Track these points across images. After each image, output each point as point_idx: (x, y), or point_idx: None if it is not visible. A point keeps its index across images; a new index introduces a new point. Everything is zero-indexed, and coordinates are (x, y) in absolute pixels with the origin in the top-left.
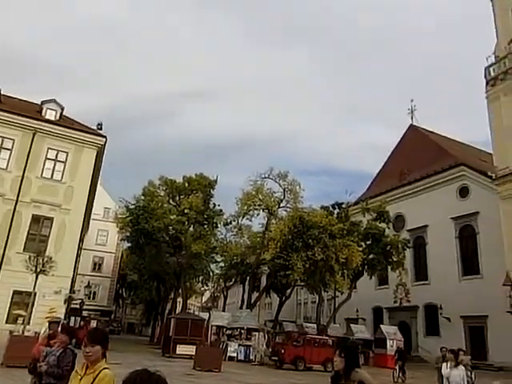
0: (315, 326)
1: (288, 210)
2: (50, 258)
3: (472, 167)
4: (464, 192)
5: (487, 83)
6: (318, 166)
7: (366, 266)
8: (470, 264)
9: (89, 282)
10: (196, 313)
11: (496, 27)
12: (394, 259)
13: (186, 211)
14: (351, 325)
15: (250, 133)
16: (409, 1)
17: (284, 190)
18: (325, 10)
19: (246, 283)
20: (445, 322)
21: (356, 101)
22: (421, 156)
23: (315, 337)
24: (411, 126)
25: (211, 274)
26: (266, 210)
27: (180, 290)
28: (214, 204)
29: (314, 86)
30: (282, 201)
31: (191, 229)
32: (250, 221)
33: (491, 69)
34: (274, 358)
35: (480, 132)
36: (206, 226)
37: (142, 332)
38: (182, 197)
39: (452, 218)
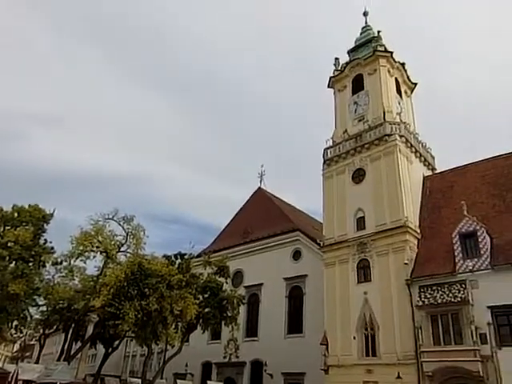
0: (140, 381)
1: (128, 255)
2: None
3: (306, 233)
4: (297, 255)
5: (324, 162)
6: (170, 213)
7: (200, 320)
8: (294, 323)
9: None
10: (4, 363)
11: (336, 117)
12: (229, 314)
13: (9, 244)
14: (178, 380)
15: (104, 169)
16: (267, 88)
17: (127, 234)
18: (199, 67)
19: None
20: (268, 379)
21: (215, 158)
22: (264, 217)
23: None
24: (259, 188)
25: (29, 318)
26: (104, 253)
27: None
28: (45, 240)
29: (178, 136)
30: (123, 245)
31: (12, 265)
32: (85, 263)
33: (328, 151)
34: None
35: (317, 203)
36: (31, 264)
37: None
38: (7, 228)
39: (284, 279)
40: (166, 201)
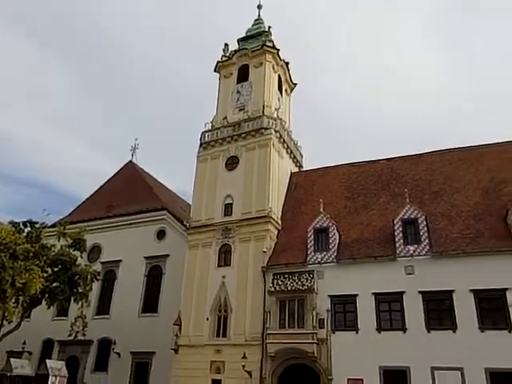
0: None
1: None
2: None
3: (173, 213)
4: (161, 235)
5: (201, 145)
6: (29, 176)
7: (46, 294)
8: (150, 302)
9: None
10: None
11: (218, 102)
12: (80, 290)
13: None
14: (11, 359)
15: None
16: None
17: None
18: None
19: None
20: (115, 358)
21: (90, 125)
22: (132, 193)
23: None
24: (130, 162)
25: None
26: None
27: None
28: None
29: (51, 96)
30: None
31: None
32: None
33: (206, 134)
34: None
35: (189, 184)
36: None
37: None
38: None
39: (145, 257)
40: (25, 163)
